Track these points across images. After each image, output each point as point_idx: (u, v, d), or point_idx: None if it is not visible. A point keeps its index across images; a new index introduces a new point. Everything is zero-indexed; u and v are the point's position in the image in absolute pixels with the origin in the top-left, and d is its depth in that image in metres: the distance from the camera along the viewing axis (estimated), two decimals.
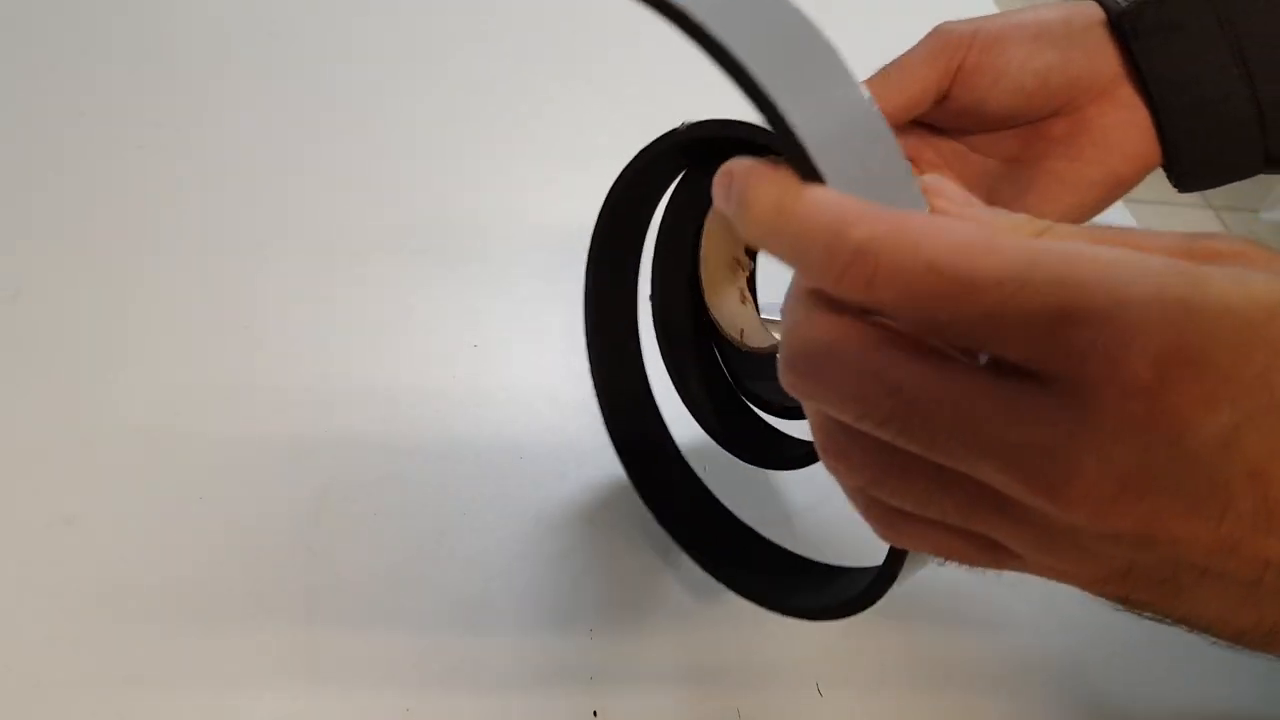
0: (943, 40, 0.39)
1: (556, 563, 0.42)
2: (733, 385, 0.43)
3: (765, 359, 0.41)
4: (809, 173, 0.20)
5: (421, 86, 0.66)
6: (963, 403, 0.19)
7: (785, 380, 0.21)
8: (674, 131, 0.36)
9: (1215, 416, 0.17)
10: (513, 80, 0.68)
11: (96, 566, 0.39)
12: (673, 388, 0.42)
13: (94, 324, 0.48)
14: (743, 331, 0.41)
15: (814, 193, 0.20)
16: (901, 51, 0.40)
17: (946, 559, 0.23)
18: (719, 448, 0.44)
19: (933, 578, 0.43)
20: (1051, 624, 0.42)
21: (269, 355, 0.48)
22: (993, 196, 0.41)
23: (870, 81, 0.40)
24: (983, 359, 0.20)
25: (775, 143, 0.23)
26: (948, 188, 0.22)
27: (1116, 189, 0.40)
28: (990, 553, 0.22)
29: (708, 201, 0.40)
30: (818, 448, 0.22)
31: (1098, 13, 0.39)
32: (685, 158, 0.39)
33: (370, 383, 0.47)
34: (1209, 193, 2.05)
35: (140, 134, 0.59)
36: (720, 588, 0.42)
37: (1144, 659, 0.42)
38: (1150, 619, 0.22)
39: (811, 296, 0.21)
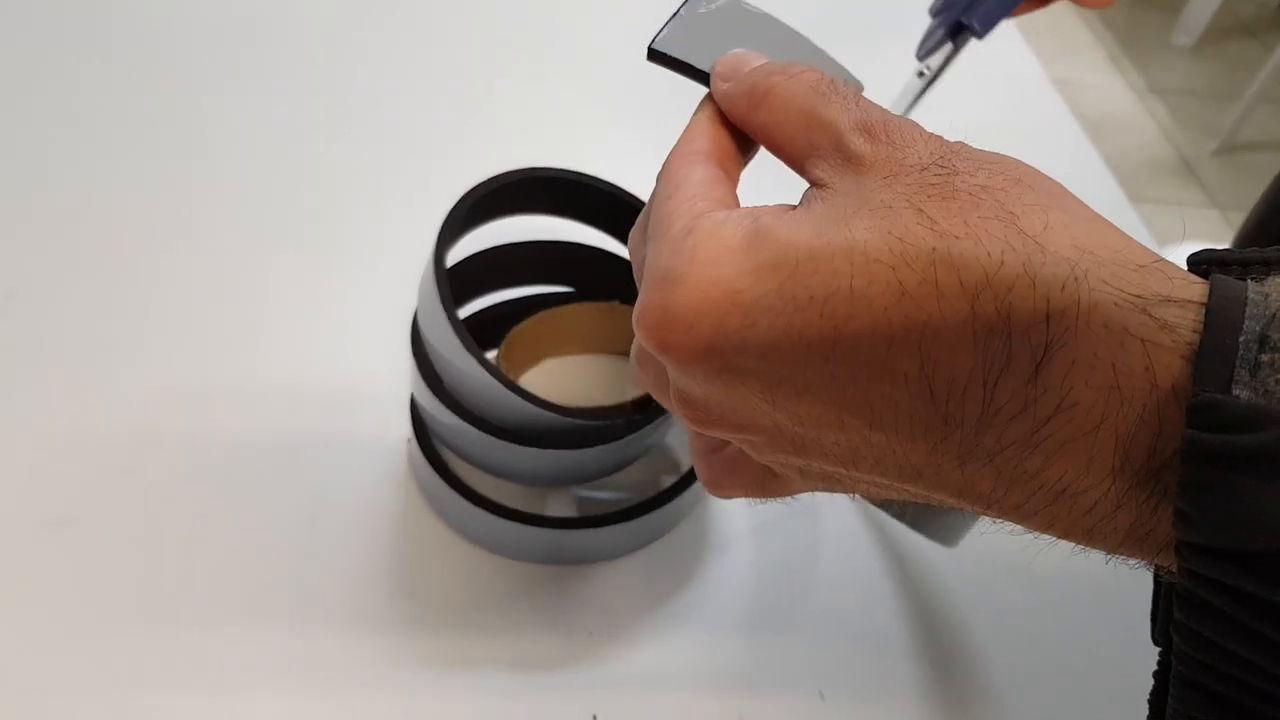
0: None
1: (555, 564, 0.42)
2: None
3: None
4: None
5: (426, 89, 0.66)
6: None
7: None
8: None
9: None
10: (517, 84, 0.68)
11: (93, 568, 0.39)
12: None
13: (87, 325, 0.48)
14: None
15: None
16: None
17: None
18: None
19: (934, 584, 0.43)
20: (1052, 630, 0.42)
21: (265, 355, 0.48)
22: None
23: None
24: None
25: None
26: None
27: None
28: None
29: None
30: None
31: None
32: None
33: (369, 383, 0.47)
34: (1216, 191, 2.05)
35: (135, 135, 0.59)
36: (720, 588, 0.42)
37: (1146, 663, 0.41)
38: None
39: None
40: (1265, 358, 0.18)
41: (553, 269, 0.48)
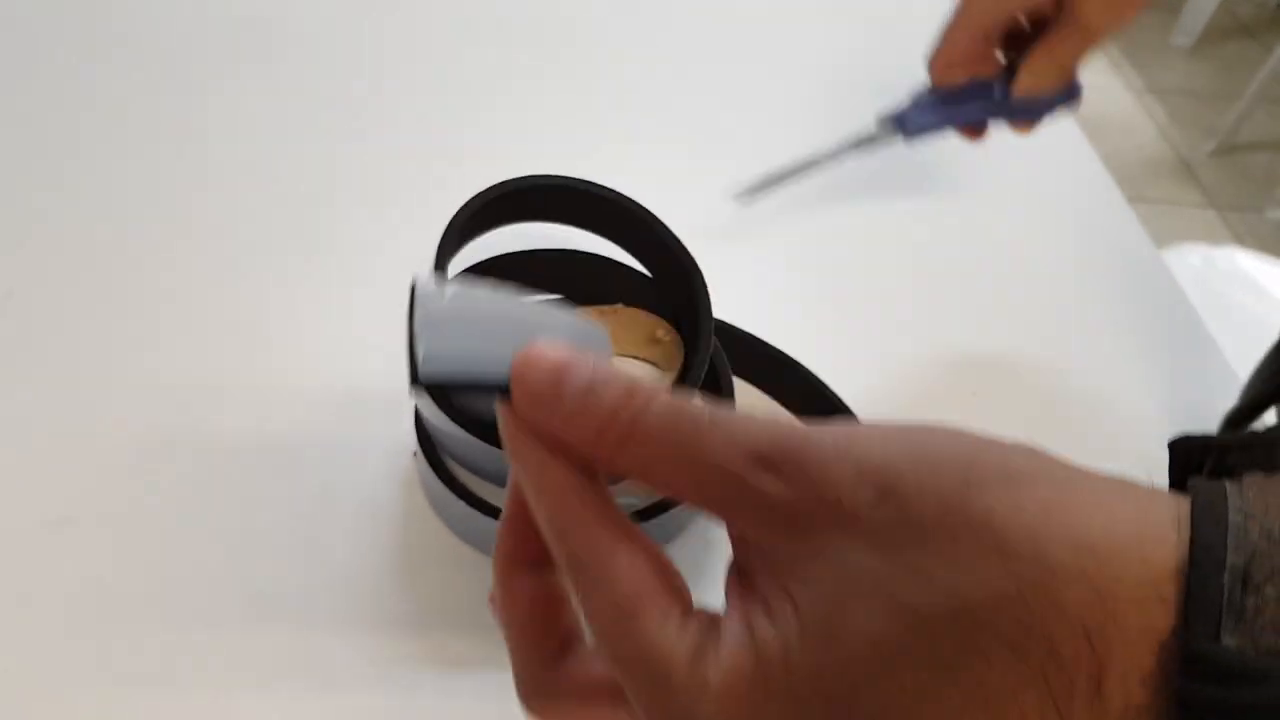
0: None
1: None
2: None
3: None
4: None
5: (430, 89, 0.66)
6: None
7: None
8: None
9: None
10: (518, 84, 0.68)
11: (94, 568, 0.39)
12: None
13: (87, 325, 0.48)
14: None
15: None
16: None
17: None
18: None
19: None
20: None
21: (265, 355, 0.48)
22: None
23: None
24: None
25: None
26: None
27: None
28: None
29: None
30: None
31: None
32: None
33: (372, 384, 0.47)
34: (1214, 192, 2.05)
35: (136, 135, 0.59)
36: (721, 587, 0.42)
37: None
38: None
39: None
40: (1250, 601, 0.18)
41: (554, 276, 0.48)
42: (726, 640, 0.21)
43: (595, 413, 0.22)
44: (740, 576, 0.22)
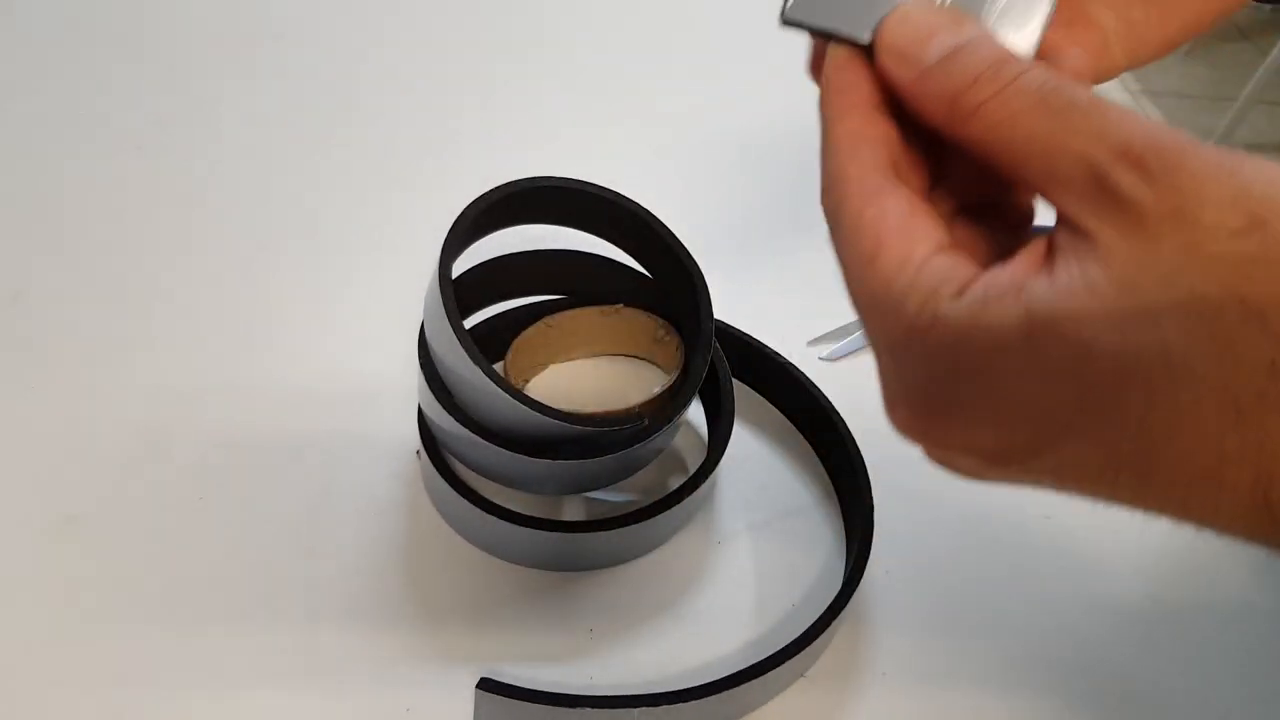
0: None
1: (563, 571, 0.42)
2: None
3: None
4: None
5: (433, 90, 0.66)
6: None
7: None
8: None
9: None
10: (524, 85, 0.68)
11: (97, 566, 0.39)
12: None
13: (94, 325, 0.48)
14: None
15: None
16: None
17: None
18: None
19: (935, 582, 0.43)
20: (1050, 626, 0.42)
21: (269, 354, 0.48)
22: None
23: None
24: None
25: None
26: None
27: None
28: None
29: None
30: None
31: None
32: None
33: (370, 382, 0.47)
34: None
35: (140, 136, 0.59)
36: (720, 586, 0.42)
37: (1144, 662, 0.42)
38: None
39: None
40: None
41: (557, 277, 0.48)
42: (981, 286, 0.20)
43: (956, 75, 0.21)
44: (1036, 244, 0.21)
